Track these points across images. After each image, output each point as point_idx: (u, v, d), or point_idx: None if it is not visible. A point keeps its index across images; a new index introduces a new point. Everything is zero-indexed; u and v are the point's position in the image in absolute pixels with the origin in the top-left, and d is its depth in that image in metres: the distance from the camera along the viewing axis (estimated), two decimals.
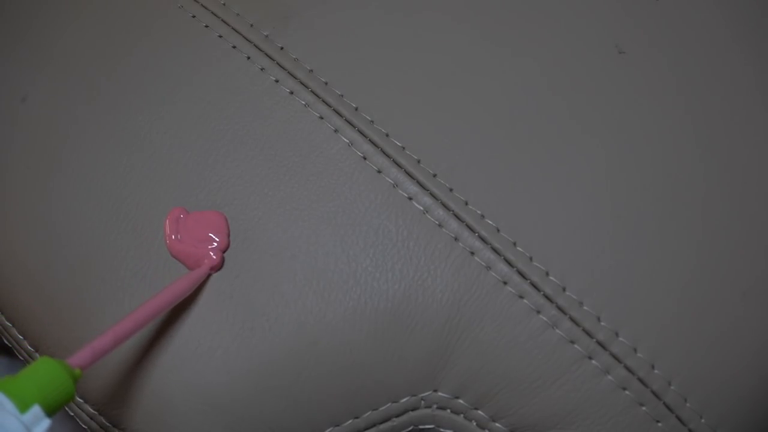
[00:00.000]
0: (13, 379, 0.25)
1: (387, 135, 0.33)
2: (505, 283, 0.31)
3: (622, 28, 0.34)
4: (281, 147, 0.33)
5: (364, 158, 0.32)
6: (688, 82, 0.34)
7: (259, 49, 0.34)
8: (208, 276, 0.32)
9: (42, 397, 0.25)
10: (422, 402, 0.32)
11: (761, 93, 0.34)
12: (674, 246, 0.31)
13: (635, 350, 0.30)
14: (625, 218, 0.31)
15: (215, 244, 0.32)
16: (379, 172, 0.32)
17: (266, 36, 0.35)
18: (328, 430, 0.31)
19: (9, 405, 0.24)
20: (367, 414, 0.31)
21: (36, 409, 0.24)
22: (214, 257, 0.32)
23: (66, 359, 0.26)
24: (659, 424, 0.30)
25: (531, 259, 0.31)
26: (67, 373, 0.25)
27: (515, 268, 0.31)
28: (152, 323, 0.31)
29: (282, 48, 0.34)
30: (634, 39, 0.34)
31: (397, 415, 0.32)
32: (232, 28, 0.35)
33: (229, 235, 0.32)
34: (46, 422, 0.24)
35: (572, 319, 0.30)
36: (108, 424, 0.32)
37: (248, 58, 0.34)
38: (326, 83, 0.34)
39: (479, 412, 0.31)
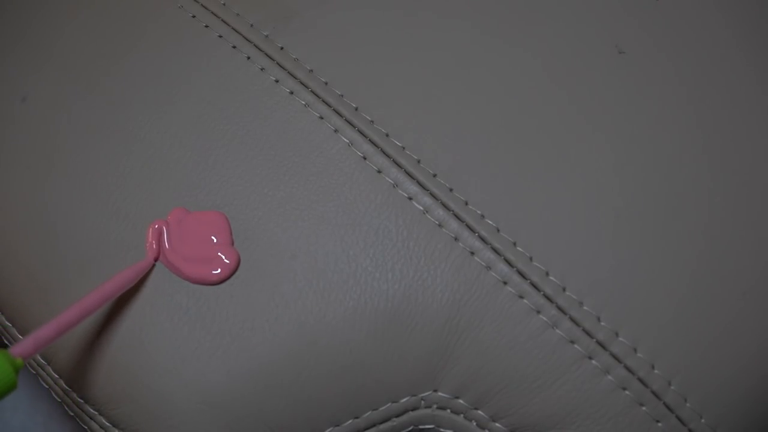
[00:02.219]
0: None
1: (387, 135, 0.33)
2: (505, 283, 0.31)
3: (622, 28, 0.34)
4: (281, 147, 0.33)
5: (364, 158, 0.32)
6: (688, 81, 0.34)
7: (259, 49, 0.34)
8: (152, 267, 0.32)
9: None
10: (422, 402, 0.32)
11: (762, 92, 0.34)
12: (674, 246, 0.31)
13: (635, 350, 0.30)
14: (625, 218, 0.31)
15: (221, 254, 0.32)
16: (379, 172, 0.32)
17: (266, 36, 0.35)
18: (328, 430, 0.31)
19: None
20: (367, 414, 0.31)
21: None
22: (228, 261, 0.32)
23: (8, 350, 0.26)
24: (659, 424, 0.30)
25: (531, 259, 0.31)
26: (8, 363, 0.26)
27: (515, 268, 0.31)
28: (151, 322, 0.31)
29: (282, 48, 0.34)
30: (634, 39, 0.34)
31: (397, 415, 0.32)
32: (232, 28, 0.35)
33: (231, 234, 0.32)
34: None
35: (572, 319, 0.30)
36: (108, 424, 0.32)
37: (248, 58, 0.34)
38: (326, 83, 0.34)
39: (479, 412, 0.31)
